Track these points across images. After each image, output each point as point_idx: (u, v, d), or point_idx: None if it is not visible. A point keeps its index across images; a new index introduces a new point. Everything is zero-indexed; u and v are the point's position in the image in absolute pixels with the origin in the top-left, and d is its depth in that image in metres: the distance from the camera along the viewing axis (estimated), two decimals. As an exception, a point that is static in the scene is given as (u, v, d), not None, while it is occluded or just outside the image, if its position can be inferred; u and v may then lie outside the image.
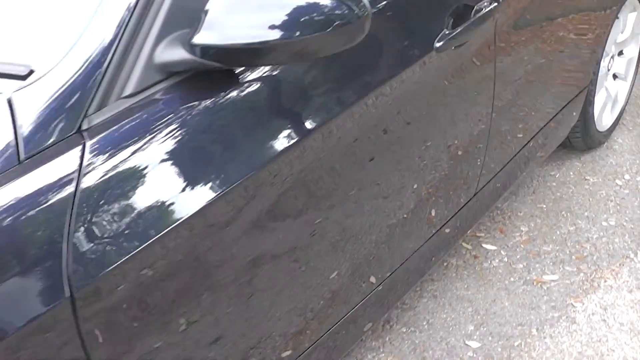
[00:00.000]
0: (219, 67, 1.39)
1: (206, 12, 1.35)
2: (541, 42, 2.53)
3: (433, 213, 2.25)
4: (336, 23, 1.36)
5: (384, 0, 1.83)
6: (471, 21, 2.01)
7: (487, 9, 2.07)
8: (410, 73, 1.85)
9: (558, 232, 2.93)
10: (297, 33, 1.35)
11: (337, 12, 1.35)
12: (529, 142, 2.71)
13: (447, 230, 2.36)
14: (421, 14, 1.95)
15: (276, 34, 1.34)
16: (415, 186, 2.08)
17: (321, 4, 1.35)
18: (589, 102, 3.14)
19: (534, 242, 2.88)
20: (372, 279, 2.05)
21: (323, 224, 1.75)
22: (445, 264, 2.76)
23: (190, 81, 1.42)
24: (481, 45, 2.13)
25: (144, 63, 1.36)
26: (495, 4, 2.11)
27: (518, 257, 2.81)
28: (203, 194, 1.39)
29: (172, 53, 1.37)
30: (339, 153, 1.72)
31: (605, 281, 2.69)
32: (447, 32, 1.93)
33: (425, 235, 2.25)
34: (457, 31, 1.96)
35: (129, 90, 1.35)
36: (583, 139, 3.28)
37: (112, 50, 1.33)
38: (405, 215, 2.08)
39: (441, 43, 1.90)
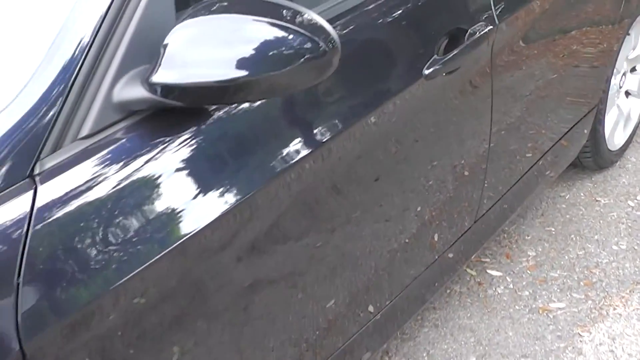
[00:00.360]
0: (182, 105, 1.32)
1: (165, 46, 1.28)
2: (544, 62, 2.45)
3: (436, 237, 2.17)
4: (306, 57, 1.28)
5: (368, 26, 1.76)
6: (464, 46, 1.93)
7: (482, 32, 1.99)
8: (398, 101, 1.77)
9: (566, 257, 2.84)
10: (267, 69, 1.28)
11: (305, 46, 1.28)
12: (536, 162, 2.63)
13: (451, 255, 2.29)
14: (410, 39, 1.87)
15: (245, 71, 1.26)
16: (418, 208, 2.02)
17: (289, 37, 1.27)
18: (598, 121, 3.05)
19: (541, 268, 2.79)
20: (371, 308, 1.98)
21: (323, 248, 1.69)
22: (448, 291, 2.67)
23: (152, 119, 1.34)
24: (476, 70, 2.05)
25: (101, 102, 1.29)
26: (491, 26, 2.03)
27: (524, 283, 2.72)
28: (173, 232, 1.33)
29: (132, 91, 1.30)
30: (342, 173, 1.68)
31: (614, 309, 2.59)
32: (437, 58, 1.86)
33: (427, 261, 2.17)
34: (449, 57, 1.88)
35: (85, 130, 1.28)
36: (593, 158, 3.19)
37: (67, 89, 1.26)
38: (407, 240, 2.01)
39: (431, 70, 1.82)
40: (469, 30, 1.97)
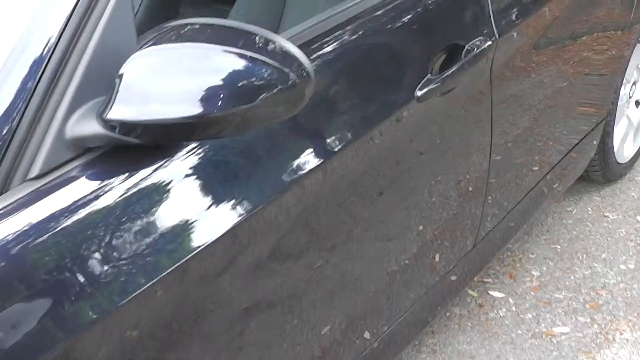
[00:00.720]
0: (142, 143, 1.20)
1: (121, 77, 1.16)
2: (549, 74, 2.32)
3: (437, 258, 2.06)
4: (277, 88, 1.17)
5: (356, 43, 1.65)
6: (461, 64, 1.81)
7: (481, 48, 1.87)
8: (387, 126, 1.66)
9: (572, 277, 2.72)
10: (237, 103, 1.15)
11: (274, 77, 1.16)
12: (544, 176, 2.51)
13: (453, 278, 2.19)
14: (401, 58, 1.76)
15: (213, 106, 1.14)
16: (420, 227, 1.92)
17: (257, 69, 1.15)
18: (607, 134, 2.93)
19: (546, 289, 2.67)
20: (367, 335, 1.87)
21: (322, 268, 1.60)
22: (447, 313, 2.56)
23: (113, 155, 1.23)
24: (474, 89, 1.93)
25: (53, 138, 1.17)
26: (490, 41, 1.91)
27: (527, 305, 2.60)
28: (137, 279, 1.21)
29: (87, 126, 1.18)
30: (345, 190, 1.60)
31: (621, 334, 2.47)
32: (431, 78, 1.74)
33: (429, 282, 2.07)
34: (444, 76, 1.76)
35: (35, 170, 1.16)
36: (602, 172, 3.06)
37: (15, 124, 1.15)
38: (407, 261, 1.91)
39: (424, 91, 1.70)
40: (466, 46, 1.85)
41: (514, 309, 2.59)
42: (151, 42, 1.17)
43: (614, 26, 2.70)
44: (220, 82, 1.15)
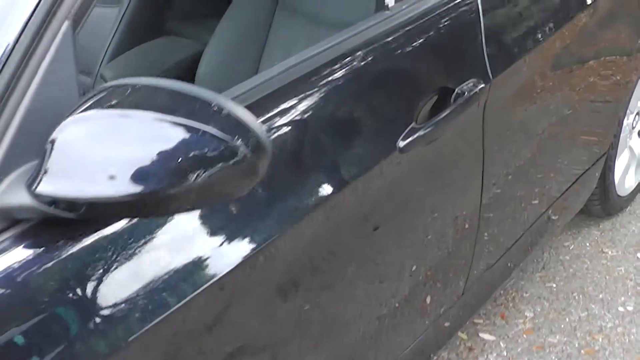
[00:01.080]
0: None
1: (52, 142, 1.02)
2: (554, 104, 2.21)
3: (428, 300, 1.95)
4: (232, 162, 1.04)
5: (334, 88, 1.52)
6: (450, 110, 1.67)
7: (472, 92, 1.73)
8: (366, 181, 1.54)
9: (567, 319, 2.59)
10: (188, 178, 1.02)
11: (226, 150, 1.02)
12: (545, 212, 2.39)
13: (447, 324, 2.09)
14: (385, 104, 1.63)
15: (161, 181, 1.01)
16: (414, 268, 1.81)
17: (206, 141, 1.01)
18: (608, 168, 2.80)
19: (539, 332, 2.54)
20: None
21: (310, 311, 1.50)
22: (435, 357, 2.43)
23: (48, 226, 1.10)
24: (464, 136, 1.80)
25: None
26: (483, 84, 1.77)
27: (519, 350, 2.47)
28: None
29: (16, 197, 1.05)
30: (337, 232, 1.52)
31: (617, 384, 2.35)
32: (415, 127, 1.60)
33: (419, 327, 1.96)
34: (429, 124, 1.63)
35: None
36: (602, 205, 2.94)
37: None
38: (397, 304, 1.80)
39: (407, 141, 1.57)
40: (456, 90, 1.71)
41: (505, 353, 2.46)
42: (89, 104, 1.04)
43: (619, 52, 2.56)
44: (167, 156, 1.01)
